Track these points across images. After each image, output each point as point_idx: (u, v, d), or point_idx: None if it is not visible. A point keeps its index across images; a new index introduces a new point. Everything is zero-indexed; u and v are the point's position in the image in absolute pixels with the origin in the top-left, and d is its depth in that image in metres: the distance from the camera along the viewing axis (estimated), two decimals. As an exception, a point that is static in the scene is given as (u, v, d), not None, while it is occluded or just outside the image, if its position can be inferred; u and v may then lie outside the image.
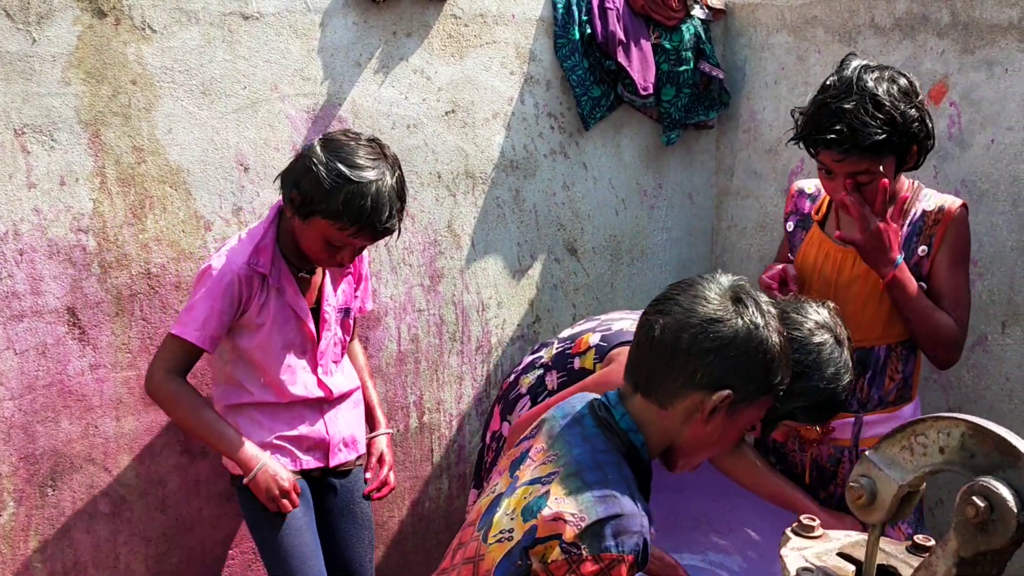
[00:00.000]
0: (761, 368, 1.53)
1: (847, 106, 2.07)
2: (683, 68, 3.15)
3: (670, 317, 1.55)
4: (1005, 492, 1.17)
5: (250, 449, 2.28)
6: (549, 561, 1.45)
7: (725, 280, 1.60)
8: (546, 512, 1.48)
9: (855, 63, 2.14)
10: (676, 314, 1.55)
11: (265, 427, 2.36)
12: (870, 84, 2.08)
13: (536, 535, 1.47)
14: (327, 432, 2.43)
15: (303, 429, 2.40)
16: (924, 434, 1.30)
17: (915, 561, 1.46)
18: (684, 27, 3.16)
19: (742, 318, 1.53)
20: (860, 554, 1.46)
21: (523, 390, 2.36)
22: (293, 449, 2.39)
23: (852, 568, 1.44)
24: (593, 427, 1.60)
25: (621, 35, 3.03)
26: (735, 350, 1.52)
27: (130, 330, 2.45)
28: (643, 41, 3.10)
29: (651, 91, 3.10)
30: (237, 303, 2.25)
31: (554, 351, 2.35)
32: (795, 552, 1.47)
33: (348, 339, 2.53)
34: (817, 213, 2.42)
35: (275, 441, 2.37)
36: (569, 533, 1.45)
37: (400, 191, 2.22)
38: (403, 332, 2.92)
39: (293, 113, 2.61)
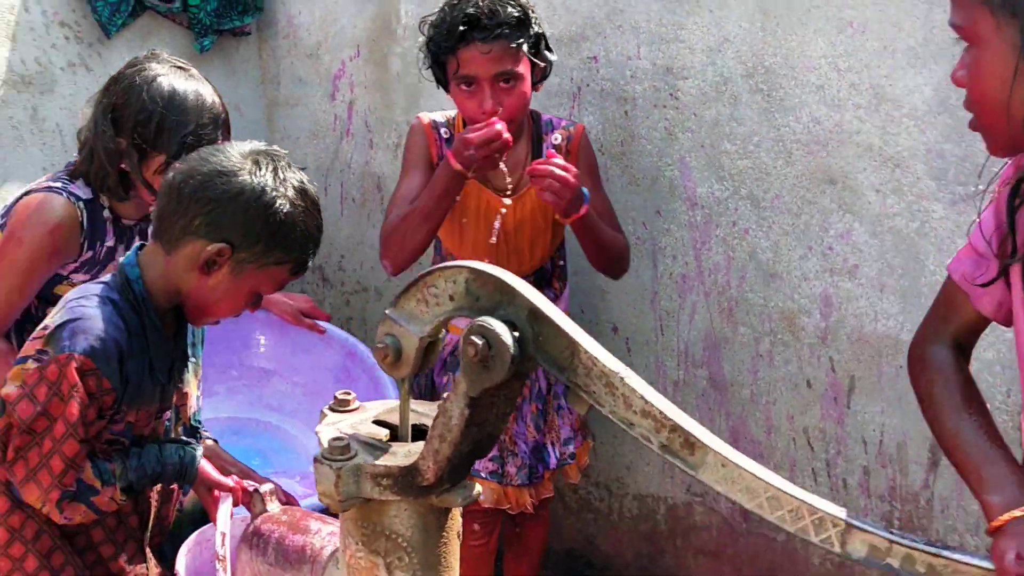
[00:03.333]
0: (266, 229, 1.58)
1: None
2: (209, -29, 3.01)
3: (186, 164, 1.62)
4: (499, 328, 1.22)
5: None
6: (22, 375, 1.54)
7: (258, 145, 1.65)
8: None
9: None
10: (191, 162, 1.61)
11: None
12: None
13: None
14: None
15: None
16: (434, 284, 1.33)
17: (438, 416, 1.51)
18: (206, -73, 3.00)
19: (252, 176, 1.57)
20: (394, 419, 1.49)
21: None
22: None
23: (386, 432, 1.46)
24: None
25: (134, -66, 2.81)
26: (236, 204, 1.56)
27: None
28: (162, -58, 2.90)
29: (176, -6, 2.92)
30: None
31: None
32: (329, 426, 1.46)
33: None
34: None
35: None
36: (38, 345, 1.55)
37: None
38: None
39: None
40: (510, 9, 2.12)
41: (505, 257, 2.33)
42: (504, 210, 2.28)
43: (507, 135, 2.08)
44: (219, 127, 2.04)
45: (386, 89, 3.05)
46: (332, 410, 1.54)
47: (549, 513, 2.69)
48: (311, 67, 3.24)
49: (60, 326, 1.54)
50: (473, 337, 1.22)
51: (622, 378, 1.17)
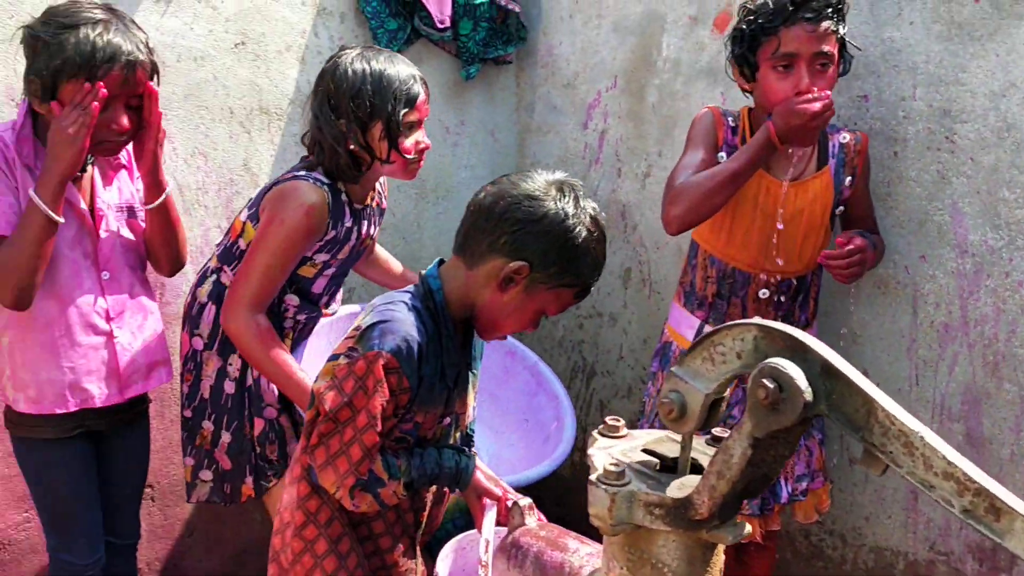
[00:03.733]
0: (563, 253, 1.67)
1: None
2: (480, 1, 3.13)
3: (496, 187, 1.72)
4: (793, 371, 1.22)
5: None
6: (333, 369, 1.66)
7: (560, 174, 1.73)
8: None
9: None
10: (502, 185, 1.71)
11: (52, 357, 2.14)
12: None
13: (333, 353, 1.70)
14: (118, 357, 2.25)
15: (95, 355, 2.21)
16: (722, 343, 1.34)
17: (713, 452, 1.52)
18: (479, -40, 3.15)
19: (557, 203, 1.66)
20: (663, 449, 1.51)
21: (204, 299, 2.36)
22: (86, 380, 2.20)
23: (657, 461, 1.48)
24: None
25: (416, -34, 2.99)
26: (540, 227, 1.65)
27: None
28: (438, -27, 3.06)
29: (448, 24, 3.07)
30: (14, 180, 2.04)
31: (217, 252, 2.38)
32: (601, 451, 1.50)
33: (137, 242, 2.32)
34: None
35: (66, 372, 2.16)
36: (350, 343, 1.67)
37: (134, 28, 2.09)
38: (201, 277, 2.80)
39: (66, 44, 2.43)
40: None
41: (773, 252, 2.36)
42: (785, 188, 2.34)
43: (833, 108, 2.19)
44: (417, 81, 2.23)
45: (640, 120, 3.09)
46: (602, 435, 1.58)
47: (775, 547, 2.65)
48: (566, 96, 3.33)
49: (370, 326, 1.66)
50: (764, 380, 1.23)
51: (922, 437, 1.13)
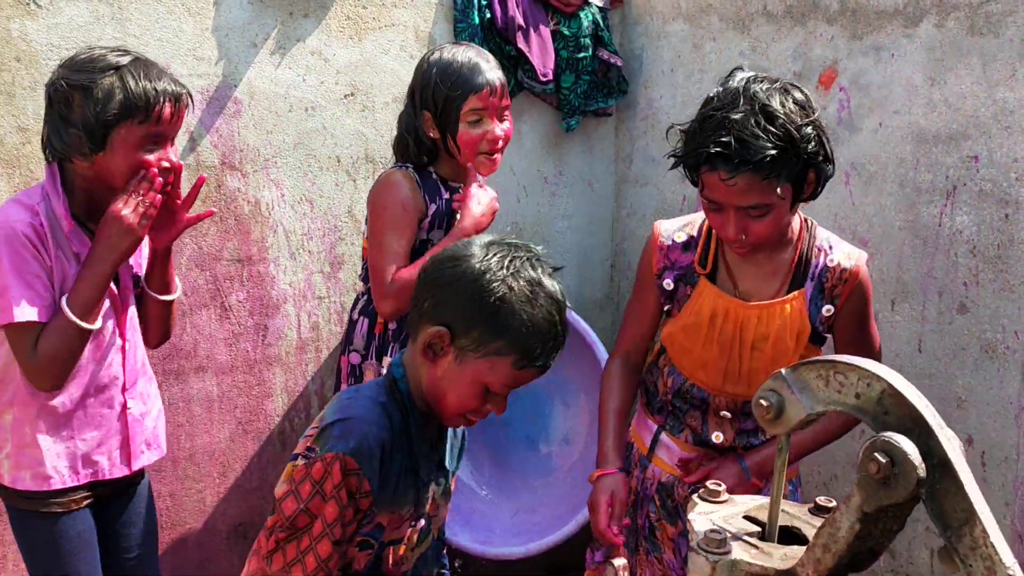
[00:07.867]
0: (481, 313, 1.50)
1: (735, 116, 1.79)
2: (582, 55, 3.18)
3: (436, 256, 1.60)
4: (907, 447, 1.20)
5: None
6: (292, 472, 1.52)
7: (506, 238, 1.59)
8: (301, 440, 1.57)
9: (742, 74, 1.88)
10: (440, 254, 1.59)
11: (65, 430, 2.02)
12: (761, 95, 1.81)
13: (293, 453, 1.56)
14: (129, 428, 2.13)
15: (107, 426, 2.09)
16: (844, 374, 1.30)
17: (818, 522, 1.49)
18: (582, 14, 3.19)
19: (479, 261, 1.51)
20: (765, 516, 1.49)
21: (355, 316, 2.50)
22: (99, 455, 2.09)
23: (758, 529, 1.46)
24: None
25: (520, 20, 3.04)
26: (459, 288, 1.51)
27: (15, 319, 2.34)
28: (542, 27, 3.11)
29: (551, 77, 3.12)
30: (41, 258, 1.90)
31: (360, 276, 2.54)
32: (702, 516, 1.49)
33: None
34: (703, 265, 2.07)
35: (78, 445, 2.04)
36: (308, 443, 1.53)
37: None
38: (303, 320, 2.87)
39: (187, 94, 2.54)
40: (764, 143, 1.78)
41: (735, 376, 2.05)
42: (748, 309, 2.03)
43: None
44: (485, 71, 2.27)
45: (740, 173, 3.08)
46: (702, 499, 1.57)
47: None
48: (665, 148, 3.31)
49: (330, 424, 1.53)
50: (876, 454, 1.21)
51: (1011, 575, 1.11)
